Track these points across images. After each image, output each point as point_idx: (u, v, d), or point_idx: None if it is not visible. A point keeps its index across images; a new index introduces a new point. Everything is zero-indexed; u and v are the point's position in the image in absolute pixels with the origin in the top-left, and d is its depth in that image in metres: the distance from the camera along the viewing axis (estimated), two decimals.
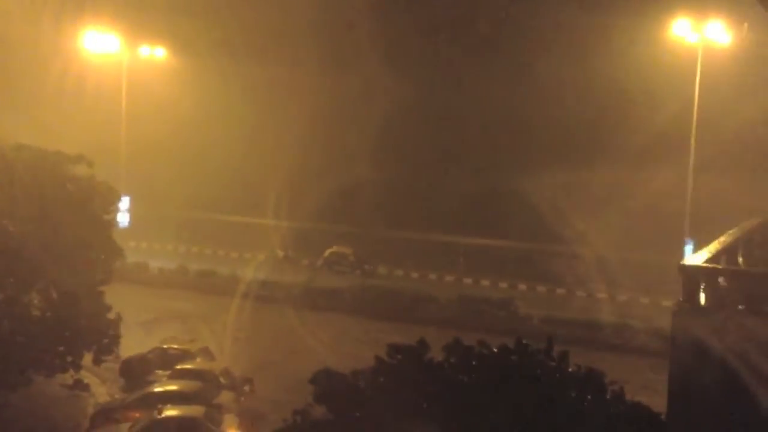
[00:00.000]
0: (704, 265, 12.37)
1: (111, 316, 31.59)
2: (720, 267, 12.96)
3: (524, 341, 18.57)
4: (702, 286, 12.12)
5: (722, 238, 15.08)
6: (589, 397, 17.54)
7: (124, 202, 51.56)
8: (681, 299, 12.15)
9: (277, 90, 60.69)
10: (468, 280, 53.35)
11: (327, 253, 56.32)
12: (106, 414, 28.35)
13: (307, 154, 58.35)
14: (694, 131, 44.85)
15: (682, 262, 12.46)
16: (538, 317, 42.55)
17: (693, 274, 12.19)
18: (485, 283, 52.74)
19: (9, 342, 26.96)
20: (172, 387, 29.36)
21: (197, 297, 45.76)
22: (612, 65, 53.63)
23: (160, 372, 31.79)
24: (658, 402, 18.89)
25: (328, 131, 59.23)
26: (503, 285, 52.01)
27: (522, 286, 51.83)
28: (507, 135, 58.42)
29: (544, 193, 55.61)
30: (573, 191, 54.45)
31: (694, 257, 13.06)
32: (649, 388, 24.54)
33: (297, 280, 49.45)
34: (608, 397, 17.93)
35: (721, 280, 12.76)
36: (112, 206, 41.79)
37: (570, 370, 18.19)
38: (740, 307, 11.86)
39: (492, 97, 58.26)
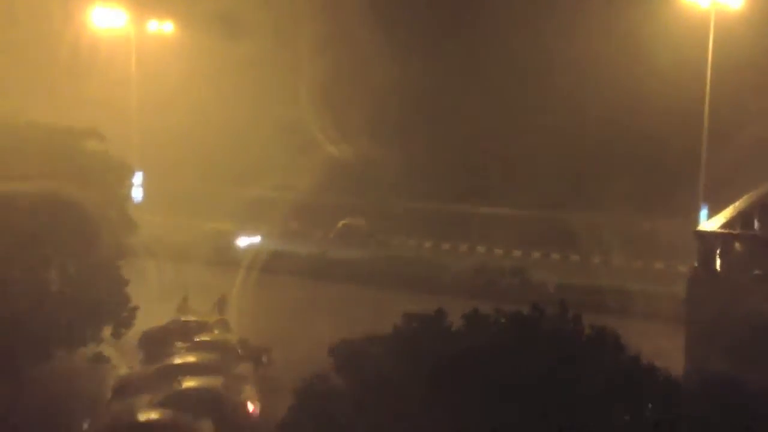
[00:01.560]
0: (720, 231, 12.37)
1: (128, 289, 31.99)
2: (736, 233, 12.94)
3: (539, 306, 18.68)
4: (718, 252, 12.14)
5: (737, 204, 15.04)
6: (606, 357, 17.62)
7: (138, 177, 51.71)
8: (696, 265, 12.18)
9: (285, 62, 60.50)
10: (481, 249, 53.38)
11: (340, 224, 56.45)
12: (127, 386, 28.74)
13: (317, 126, 58.26)
14: (707, 94, 44.41)
15: (697, 229, 12.46)
16: (552, 284, 42.58)
17: (709, 240, 12.20)
18: (498, 251, 52.76)
19: (29, 318, 27.29)
20: (191, 359, 29.71)
21: (213, 270, 46.06)
22: (624, 30, 53.12)
23: (178, 344, 32.15)
24: (673, 366, 18.97)
25: (337, 103, 59.01)
26: (517, 253, 52.01)
27: (536, 254, 51.83)
28: (519, 101, 58.10)
29: (555, 159, 55.53)
30: (585, 156, 54.33)
31: (710, 223, 13.06)
32: (664, 355, 24.61)
33: (311, 252, 49.66)
34: (624, 358, 18.03)
35: (737, 245, 12.77)
36: (125, 181, 42.05)
37: (586, 332, 18.29)
38: (756, 272, 11.89)
39: (501, 60, 57.91)
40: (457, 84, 60.47)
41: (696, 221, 42.92)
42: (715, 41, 43.82)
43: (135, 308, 31.91)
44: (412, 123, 59.63)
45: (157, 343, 32.57)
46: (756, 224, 15.46)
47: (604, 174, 53.07)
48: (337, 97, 58.21)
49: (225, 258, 48.58)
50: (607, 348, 17.09)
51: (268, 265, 48.66)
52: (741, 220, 14.04)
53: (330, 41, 59.14)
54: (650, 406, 15.78)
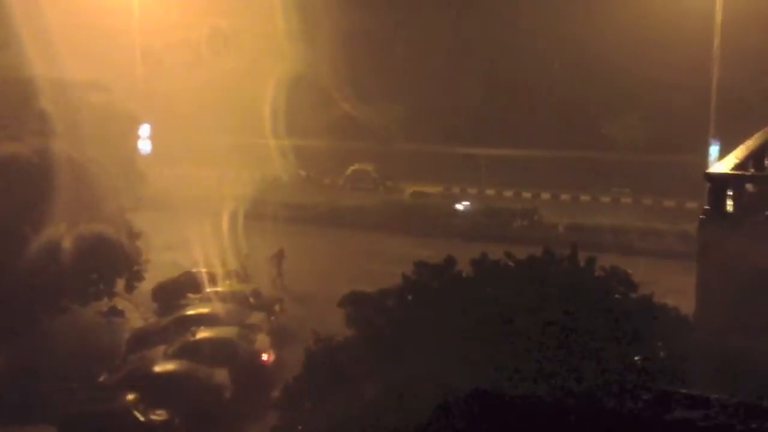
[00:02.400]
0: (731, 172, 12.19)
1: (140, 242, 32.11)
2: (747, 174, 12.76)
3: (551, 250, 18.63)
4: (729, 193, 11.99)
5: (748, 142, 14.81)
6: (616, 296, 17.64)
7: (145, 129, 51.56)
8: (707, 207, 12.04)
9: (292, 16, 59.55)
10: (491, 192, 53.22)
11: (349, 170, 56.32)
12: (142, 338, 29.07)
13: (324, 73, 57.64)
14: (718, 27, 43.57)
15: (707, 170, 12.29)
16: (562, 225, 42.54)
17: (719, 181, 12.03)
18: (508, 194, 52.60)
19: (42, 273, 27.47)
20: (204, 309, 29.97)
21: (223, 220, 46.10)
22: None
23: (191, 295, 32.40)
24: (685, 304, 19.00)
25: (344, 49, 58.23)
26: (527, 195, 51.85)
27: (545, 195, 51.66)
28: (526, 44, 57.21)
29: (563, 98, 54.91)
30: (593, 94, 53.68)
31: (720, 164, 12.88)
32: (676, 291, 24.62)
33: (321, 200, 49.64)
34: (635, 296, 18.04)
35: (748, 186, 12.60)
36: (132, 133, 41.89)
37: (596, 274, 18.27)
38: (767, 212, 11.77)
39: (507, 7, 56.97)
40: (459, 27, 59.48)
41: (707, 158, 42.65)
42: None
43: (146, 261, 32.06)
44: (417, 68, 58.90)
45: (170, 295, 32.83)
46: (767, 162, 15.27)
47: (613, 113, 52.52)
48: (341, 48, 57.43)
49: (235, 208, 48.55)
50: (619, 289, 17.06)
51: (277, 213, 48.74)
52: (753, 159, 13.84)
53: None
54: (661, 345, 15.81)
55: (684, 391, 8.26)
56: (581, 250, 19.24)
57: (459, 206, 47.21)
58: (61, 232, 29.38)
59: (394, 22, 58.61)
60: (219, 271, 34.22)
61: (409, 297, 17.13)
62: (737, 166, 12.67)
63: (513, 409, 7.50)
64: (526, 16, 57.36)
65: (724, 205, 12.18)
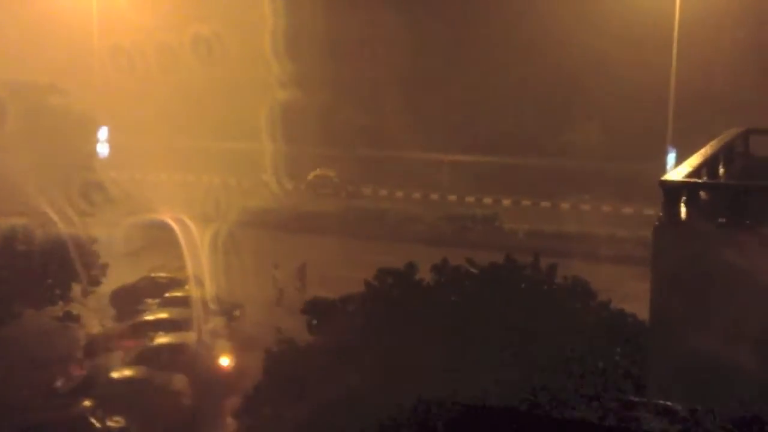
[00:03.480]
0: (684, 180, 12.40)
1: (97, 247, 31.70)
2: (700, 181, 12.99)
3: (512, 257, 18.79)
4: (683, 201, 12.19)
5: (703, 150, 15.09)
6: (576, 305, 17.88)
7: (103, 132, 50.92)
8: (661, 214, 12.24)
9: (253, 15, 59.28)
10: (452, 197, 53.45)
11: (311, 176, 56.22)
12: (99, 344, 28.67)
13: (288, 76, 57.46)
14: (675, 37, 44.33)
15: (662, 178, 12.50)
16: (523, 231, 42.88)
17: (673, 189, 12.24)
18: (470, 199, 52.88)
19: None
20: (163, 315, 29.68)
21: (184, 224, 45.65)
22: None
23: (150, 301, 32.04)
24: (641, 309, 19.26)
25: (305, 53, 58.15)
26: (488, 201, 52.17)
27: (506, 201, 52.02)
28: (485, 52, 57.64)
29: (524, 105, 55.43)
30: (553, 102, 54.27)
31: (675, 172, 13.10)
32: (633, 297, 24.96)
33: (282, 204, 49.45)
34: (594, 305, 18.29)
35: (702, 193, 12.83)
36: (90, 136, 41.32)
37: (557, 282, 18.48)
38: (721, 220, 11.97)
39: (471, 16, 57.41)
40: (421, 34, 59.71)
41: (664, 165, 43.28)
42: None
43: (105, 266, 31.66)
44: (380, 74, 59.07)
45: (128, 300, 32.43)
46: (721, 171, 15.56)
47: (573, 121, 53.14)
48: (303, 50, 57.31)
49: (196, 212, 48.14)
50: (578, 297, 17.28)
51: (238, 217, 48.41)
52: (707, 167, 14.10)
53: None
54: (619, 352, 16.04)
55: (645, 400, 8.40)
56: (541, 256, 19.43)
57: None
58: (16, 236, 28.94)
59: (359, 29, 58.68)
60: (178, 275, 33.87)
61: (371, 304, 17.12)
62: (691, 174, 12.90)
63: (469, 417, 7.54)
64: (488, 24, 57.83)
65: (678, 212, 12.38)
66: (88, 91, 51.95)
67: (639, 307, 19.21)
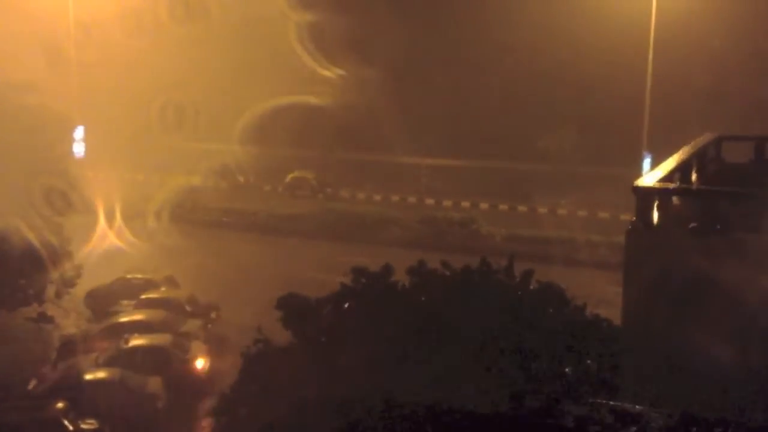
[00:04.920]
0: (657, 185, 12.54)
1: (72, 247, 31.48)
2: (672, 187, 13.14)
3: (487, 260, 18.85)
4: (655, 206, 12.33)
5: (676, 155, 15.25)
6: (550, 311, 17.98)
7: (79, 132, 50.59)
8: (634, 219, 12.35)
9: (234, 13, 59.11)
10: (430, 201, 53.61)
11: (288, 178, 56.18)
12: (73, 345, 28.44)
13: (267, 80, 57.39)
14: (651, 40, 44.74)
15: (635, 183, 12.62)
16: (500, 235, 43.09)
17: (646, 194, 12.37)
18: (447, 203, 53.05)
19: None
20: (138, 316, 29.49)
21: (159, 225, 45.47)
22: None
23: (125, 302, 31.85)
24: (616, 314, 19.45)
25: (285, 55, 58.10)
26: (465, 204, 52.37)
27: (484, 205, 52.24)
28: (464, 56, 57.92)
29: (501, 109, 55.72)
30: (530, 107, 54.61)
31: (648, 177, 13.23)
32: (607, 302, 25.16)
33: (260, 207, 49.38)
34: (568, 310, 18.40)
35: (674, 199, 12.98)
36: (66, 135, 41.01)
37: (531, 287, 18.56)
38: (692, 225, 12.11)
39: (449, 21, 57.67)
40: (400, 37, 59.86)
41: (640, 170, 43.67)
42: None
43: (79, 267, 31.45)
44: (360, 75, 59.07)
45: (103, 301, 32.22)
46: (694, 177, 15.74)
47: (549, 125, 53.48)
48: (284, 52, 57.24)
49: (171, 214, 47.94)
50: (552, 303, 17.38)
51: (215, 219, 48.29)
52: (679, 172, 14.25)
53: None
54: (589, 358, 16.15)
55: (613, 403, 8.50)
56: (517, 260, 19.55)
57: None
58: None
59: (341, 31, 58.65)
60: (153, 277, 33.71)
61: (346, 305, 17.15)
62: (664, 179, 13.04)
63: (435, 420, 7.59)
64: (465, 28, 58.08)
65: (650, 217, 12.53)
66: (66, 89, 51.58)
67: (614, 312, 19.44)
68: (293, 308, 17.70)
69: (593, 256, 39.53)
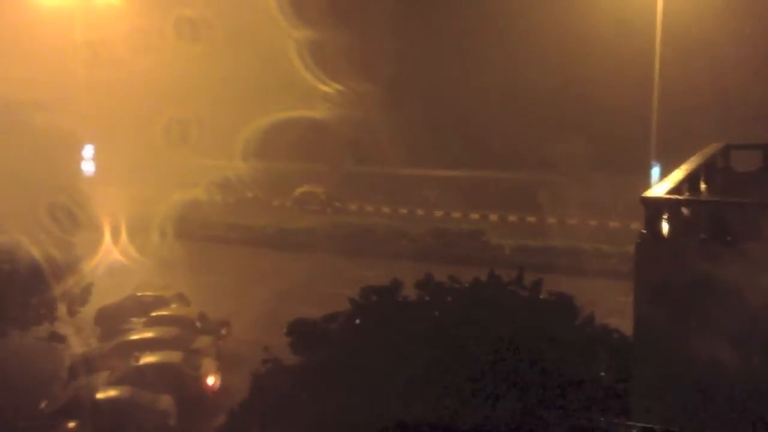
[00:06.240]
0: (665, 196, 12.49)
1: (82, 266, 31.53)
2: (681, 197, 13.08)
3: (496, 273, 18.81)
4: (664, 217, 12.28)
5: (684, 166, 15.21)
6: (560, 322, 17.89)
7: (88, 150, 50.84)
8: (643, 231, 12.32)
9: (238, 31, 59.44)
10: (439, 213, 53.57)
11: (297, 192, 56.25)
12: (84, 364, 28.42)
13: (273, 95, 57.61)
14: (657, 52, 44.70)
15: (643, 194, 12.58)
16: (509, 246, 42.99)
17: (655, 205, 12.33)
18: (456, 215, 53.01)
19: None
20: (149, 334, 29.47)
21: (169, 241, 45.57)
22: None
23: (135, 319, 31.84)
24: (627, 324, 19.33)
25: (294, 70, 58.30)
26: (474, 216, 52.31)
27: (493, 217, 52.18)
28: (470, 66, 57.97)
29: (510, 120, 55.69)
30: (538, 117, 54.55)
31: (657, 188, 13.20)
32: (618, 312, 25.01)
33: (269, 221, 49.44)
34: (579, 321, 18.32)
35: (683, 210, 12.93)
36: (75, 154, 41.21)
37: (541, 298, 18.49)
38: (702, 236, 12.06)
39: (458, 33, 57.81)
40: (407, 49, 60.04)
41: (648, 178, 43.56)
42: (664, 7, 44.06)
43: (90, 285, 31.49)
44: (366, 88, 59.21)
45: (113, 319, 32.22)
46: (702, 186, 15.68)
47: (558, 135, 53.38)
48: (290, 67, 57.45)
49: (181, 229, 48.02)
50: (563, 314, 17.31)
51: (225, 235, 48.36)
52: (688, 182, 14.20)
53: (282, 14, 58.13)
54: (602, 370, 16.07)
55: (629, 423, 8.42)
56: (527, 270, 19.48)
57: None
58: (1, 256, 28.77)
59: (346, 44, 58.84)
60: (164, 294, 33.75)
61: (356, 321, 17.12)
62: (673, 190, 12.99)
63: None
64: (469, 38, 58.16)
65: (659, 228, 12.48)
66: (75, 108, 51.87)
67: (625, 323, 19.31)
68: (302, 334, 17.67)
69: (604, 265, 39.38)
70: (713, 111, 47.45)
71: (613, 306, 28.46)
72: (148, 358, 26.96)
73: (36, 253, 29.69)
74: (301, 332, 16.98)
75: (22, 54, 54.56)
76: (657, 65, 44.84)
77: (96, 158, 52.46)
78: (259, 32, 57.63)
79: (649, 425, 7.83)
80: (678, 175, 14.32)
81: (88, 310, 31.99)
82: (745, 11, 49.69)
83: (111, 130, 56.00)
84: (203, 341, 29.79)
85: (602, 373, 16.74)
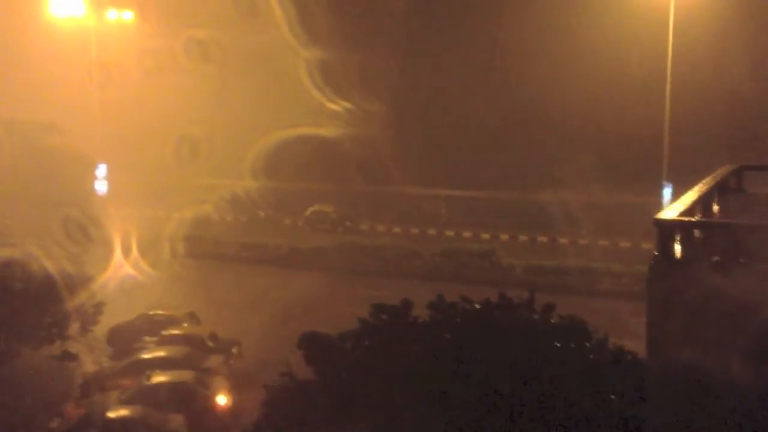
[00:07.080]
0: (678, 218, 12.48)
1: (94, 285, 31.69)
2: (694, 220, 13.07)
3: (506, 295, 18.76)
4: (677, 240, 12.26)
5: (697, 187, 15.18)
6: (572, 345, 17.81)
7: (101, 170, 51.23)
8: (656, 253, 12.30)
9: (247, 51, 59.90)
10: (450, 233, 53.54)
11: (308, 211, 56.37)
12: (96, 383, 28.51)
13: (283, 115, 57.92)
14: (669, 72, 44.76)
15: (656, 216, 12.58)
16: (520, 267, 42.87)
17: (667, 227, 12.31)
18: (467, 234, 52.96)
19: None
20: (160, 353, 29.52)
21: (182, 261, 45.77)
22: (585, 10, 53.27)
23: (147, 338, 31.92)
24: (640, 346, 19.20)
25: (303, 90, 58.63)
26: (485, 236, 52.24)
27: (504, 236, 52.09)
28: (481, 85, 58.14)
29: (521, 141, 55.77)
30: (550, 138, 54.60)
31: (669, 210, 13.18)
32: (631, 333, 24.89)
33: (280, 240, 49.54)
34: (591, 344, 18.22)
35: (696, 232, 12.91)
36: (88, 174, 41.54)
37: (553, 320, 18.41)
38: (715, 258, 12.04)
39: (468, 51, 58.03)
40: (411, 68, 60.28)
41: (660, 198, 43.48)
42: (675, 27, 44.19)
43: (101, 303, 31.62)
44: (376, 107, 59.47)
45: (125, 338, 32.32)
46: (715, 208, 15.66)
47: (570, 155, 53.39)
48: (302, 89, 57.79)
49: (193, 249, 48.24)
50: (574, 337, 17.24)
51: (236, 254, 48.48)
52: (701, 204, 14.19)
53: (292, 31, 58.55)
54: (614, 394, 15.97)
55: None
56: (538, 291, 19.43)
57: None
58: (14, 274, 28.94)
59: (355, 65, 59.17)
60: (175, 313, 33.84)
61: (367, 341, 17.11)
62: (685, 212, 12.98)
63: None
64: (480, 59, 58.36)
65: (672, 251, 12.45)
66: (89, 129, 52.36)
67: (638, 344, 19.19)
68: (315, 346, 17.69)
69: (616, 286, 39.22)
70: (727, 132, 47.40)
71: (625, 326, 28.31)
72: (159, 377, 27.00)
73: (49, 270, 29.89)
74: (312, 344, 16.97)
75: (38, 75, 55.20)
76: (668, 88, 44.91)
77: (109, 177, 52.80)
78: (269, 52, 58.06)
79: None
80: (691, 196, 14.30)
81: (100, 329, 32.10)
82: (760, 31, 49.72)
83: (123, 149, 56.39)
84: (214, 360, 29.83)
85: (613, 397, 16.64)
